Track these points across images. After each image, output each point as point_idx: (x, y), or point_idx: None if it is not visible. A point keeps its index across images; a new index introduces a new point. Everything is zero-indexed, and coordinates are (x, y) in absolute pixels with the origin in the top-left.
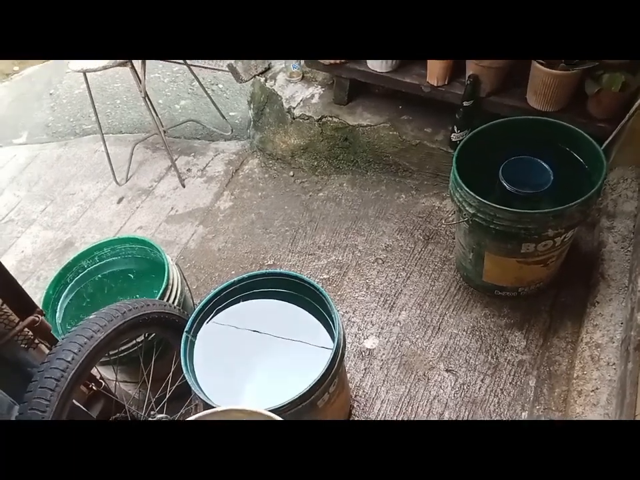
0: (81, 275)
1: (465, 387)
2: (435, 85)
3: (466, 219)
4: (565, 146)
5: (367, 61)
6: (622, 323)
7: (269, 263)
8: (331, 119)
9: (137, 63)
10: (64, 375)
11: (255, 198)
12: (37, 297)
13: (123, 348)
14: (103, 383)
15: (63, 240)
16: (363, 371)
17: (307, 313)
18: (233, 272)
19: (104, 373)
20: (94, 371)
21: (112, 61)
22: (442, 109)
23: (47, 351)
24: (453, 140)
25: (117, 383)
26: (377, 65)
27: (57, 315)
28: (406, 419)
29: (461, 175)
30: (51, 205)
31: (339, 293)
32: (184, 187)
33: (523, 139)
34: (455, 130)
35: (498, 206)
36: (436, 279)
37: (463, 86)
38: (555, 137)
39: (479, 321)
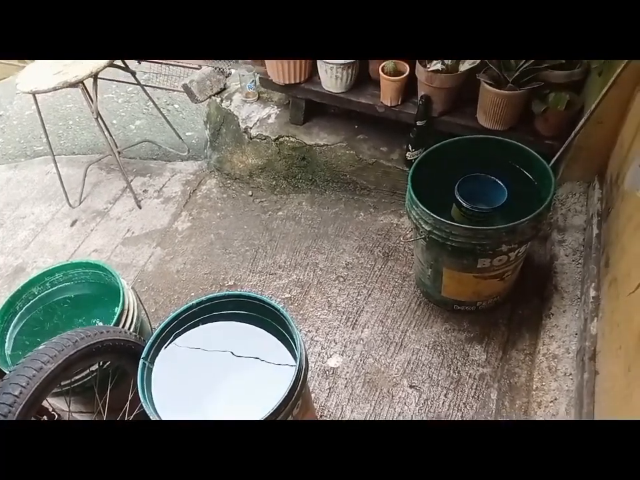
0: (31, 302)
1: (429, 402)
2: (389, 105)
3: (423, 236)
4: (515, 163)
5: (322, 81)
6: (577, 334)
7: (229, 283)
8: (287, 138)
9: (88, 83)
10: (11, 410)
11: (213, 218)
12: None
13: (76, 377)
14: (56, 415)
15: (14, 265)
16: (328, 390)
17: (268, 334)
18: (192, 294)
19: (57, 404)
20: (45, 403)
21: (62, 82)
22: (396, 128)
23: None
24: (408, 158)
25: (71, 414)
26: (331, 85)
27: (6, 345)
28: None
29: (417, 193)
30: (1, 229)
31: (301, 312)
32: (140, 208)
33: (476, 156)
34: (410, 149)
35: (453, 223)
36: (397, 295)
37: (415, 106)
38: (506, 154)
39: (440, 335)
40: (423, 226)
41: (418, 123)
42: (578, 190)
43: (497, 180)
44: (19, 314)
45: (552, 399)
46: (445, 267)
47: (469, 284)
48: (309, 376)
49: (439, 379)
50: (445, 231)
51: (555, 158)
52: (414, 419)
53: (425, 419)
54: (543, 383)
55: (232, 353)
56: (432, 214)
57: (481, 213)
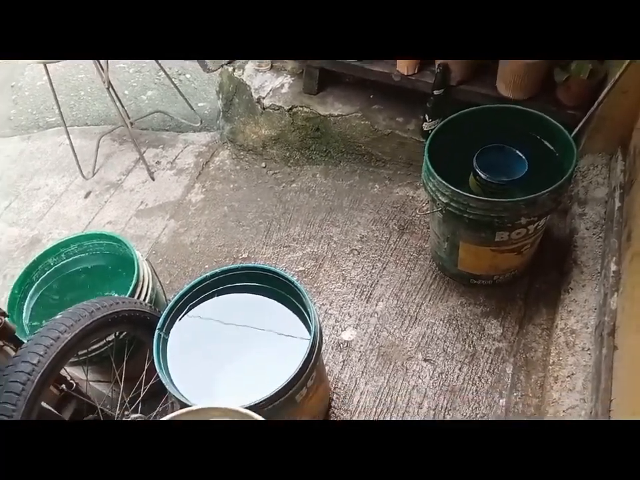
0: (47, 272)
1: (443, 376)
2: (405, 73)
3: (439, 209)
4: (536, 134)
5: None
6: (595, 309)
7: (243, 256)
8: (301, 109)
9: None
10: (30, 378)
11: (227, 190)
12: (4, 297)
13: (93, 347)
14: (74, 384)
15: (29, 237)
16: (342, 363)
17: (283, 306)
18: (206, 266)
19: (75, 373)
20: (64, 372)
21: None
22: (413, 97)
23: (13, 354)
24: (425, 129)
25: (89, 383)
26: None
27: (24, 315)
28: (384, 418)
29: (434, 164)
30: (16, 201)
31: (315, 285)
32: (153, 180)
33: (495, 127)
34: (427, 119)
35: (471, 195)
36: (412, 268)
37: (433, 75)
38: (526, 124)
39: (456, 309)
40: (440, 198)
41: (435, 92)
42: (600, 162)
43: (517, 151)
44: (36, 284)
45: (569, 374)
46: (462, 240)
47: (486, 258)
48: (322, 349)
49: (454, 352)
50: (463, 203)
51: (577, 128)
52: (428, 392)
53: (438, 392)
54: (560, 358)
55: (246, 325)
56: (449, 185)
57: (500, 184)
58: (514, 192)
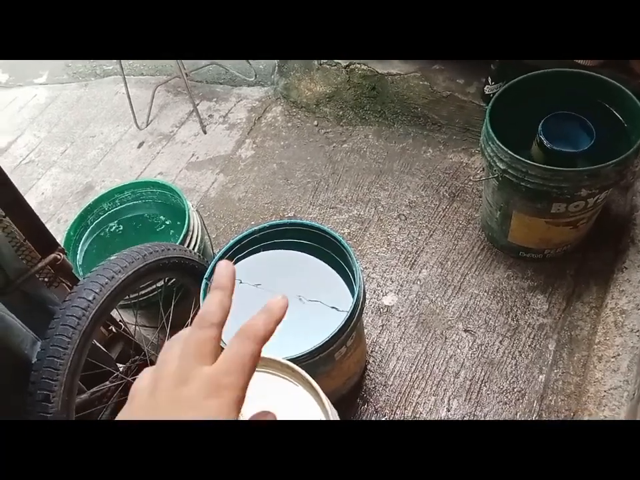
0: (101, 217)
1: (483, 348)
2: None
3: (496, 175)
4: (604, 102)
5: None
6: None
7: (289, 214)
8: (359, 65)
9: None
10: (85, 314)
11: (277, 147)
12: (58, 239)
13: (142, 292)
14: (123, 326)
15: (83, 183)
16: (380, 328)
17: (327, 265)
18: (252, 222)
19: (124, 316)
20: (114, 314)
21: None
22: None
23: (69, 290)
24: (487, 93)
25: (137, 327)
26: None
27: (78, 257)
28: (419, 385)
29: (494, 129)
30: (71, 147)
31: (360, 248)
32: (205, 133)
33: (561, 93)
34: (489, 82)
35: (531, 162)
36: (459, 237)
37: None
38: (595, 92)
39: (501, 282)
40: (498, 164)
41: None
42: None
43: (586, 120)
44: (90, 228)
45: (614, 355)
46: (516, 209)
47: (539, 230)
48: (363, 311)
49: (496, 325)
50: (521, 170)
51: None
52: (465, 362)
53: (476, 363)
54: (607, 338)
55: (291, 281)
56: (509, 151)
57: (567, 154)
58: (577, 161)
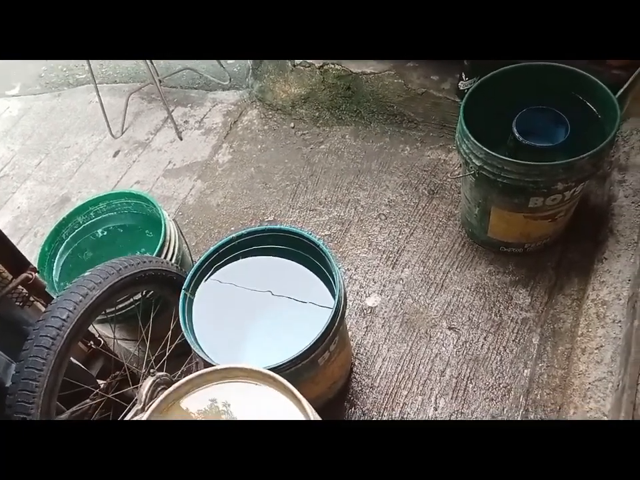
0: (76, 231)
1: (467, 345)
2: None
3: (472, 172)
4: (577, 94)
5: None
6: (629, 280)
7: (269, 218)
8: (333, 66)
9: None
10: (60, 333)
11: (254, 151)
12: (35, 254)
13: (120, 306)
14: (102, 341)
15: (59, 195)
16: (365, 329)
17: (307, 270)
18: (232, 228)
19: (102, 331)
20: (92, 329)
21: None
22: None
23: (43, 309)
24: (461, 88)
25: (116, 341)
26: None
27: (54, 272)
28: (405, 385)
29: (469, 126)
30: (46, 159)
31: (341, 249)
32: (181, 139)
33: (534, 86)
34: (463, 77)
35: (505, 158)
36: (440, 235)
37: None
38: (568, 84)
39: (483, 278)
40: (473, 161)
41: None
42: None
43: (560, 113)
44: (65, 242)
45: (597, 346)
46: (494, 205)
47: (518, 224)
48: (346, 314)
49: (480, 321)
50: (497, 166)
51: (623, 89)
52: (451, 360)
53: (462, 361)
54: (589, 330)
55: (271, 287)
56: (484, 148)
57: (541, 148)
58: (552, 155)
